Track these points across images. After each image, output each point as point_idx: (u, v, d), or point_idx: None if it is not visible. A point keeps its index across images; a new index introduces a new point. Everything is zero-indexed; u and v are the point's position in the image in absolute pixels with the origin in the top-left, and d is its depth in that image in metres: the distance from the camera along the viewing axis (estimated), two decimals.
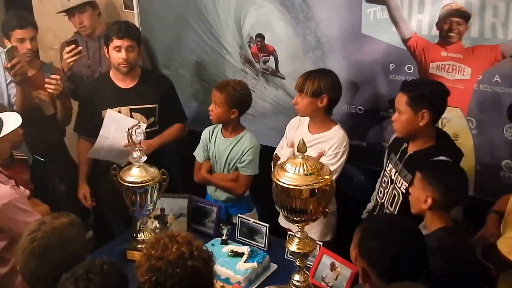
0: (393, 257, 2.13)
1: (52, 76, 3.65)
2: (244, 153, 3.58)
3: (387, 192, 3.15)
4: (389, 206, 3.12)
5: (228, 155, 3.61)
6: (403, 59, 3.35)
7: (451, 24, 3.13)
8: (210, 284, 1.98)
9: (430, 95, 2.95)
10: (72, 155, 4.35)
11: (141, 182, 3.00)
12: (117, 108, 3.70)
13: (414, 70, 3.36)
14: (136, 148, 3.01)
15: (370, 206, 3.38)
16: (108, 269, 1.93)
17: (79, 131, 3.98)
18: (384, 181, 3.21)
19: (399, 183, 3.04)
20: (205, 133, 3.75)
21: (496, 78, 3.12)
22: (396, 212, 3.05)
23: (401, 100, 2.96)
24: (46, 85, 3.66)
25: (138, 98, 3.75)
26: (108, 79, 3.80)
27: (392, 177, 3.12)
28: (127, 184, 3.01)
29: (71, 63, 3.80)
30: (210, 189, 3.74)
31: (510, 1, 2.92)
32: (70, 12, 4.09)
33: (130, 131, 2.97)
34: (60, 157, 4.25)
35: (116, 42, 3.59)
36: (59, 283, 1.91)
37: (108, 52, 3.68)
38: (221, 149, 3.63)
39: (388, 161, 3.22)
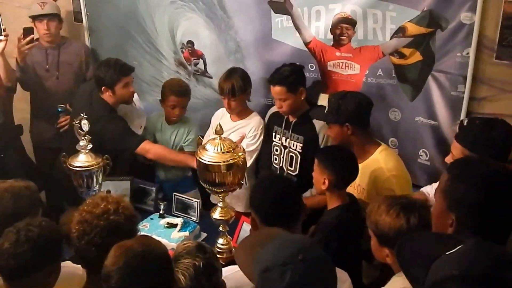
0: (270, 206, 2.33)
1: None
2: (188, 133, 3.76)
3: (283, 157, 3.41)
4: (288, 167, 3.39)
5: (174, 139, 3.76)
6: (306, 59, 3.54)
7: (342, 29, 3.38)
8: (130, 237, 1.98)
9: (298, 75, 3.27)
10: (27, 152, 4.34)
11: (87, 166, 3.05)
12: None
13: (315, 68, 3.58)
14: (83, 138, 3.06)
15: None
16: (46, 224, 2.02)
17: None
18: (276, 149, 3.46)
19: (293, 146, 3.35)
20: (154, 117, 3.88)
21: (379, 72, 3.38)
22: (297, 169, 3.34)
23: (280, 91, 3.22)
24: None
25: None
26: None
27: (284, 143, 3.40)
28: (74, 168, 3.06)
29: (26, 51, 3.82)
30: (161, 171, 3.86)
31: (385, 10, 3.19)
32: (41, 17, 4.07)
33: (77, 122, 3.03)
34: (16, 153, 4.17)
35: (125, 80, 3.53)
36: (2, 235, 1.97)
37: (112, 92, 3.53)
38: (167, 135, 3.76)
39: (274, 133, 3.47)
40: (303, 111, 3.31)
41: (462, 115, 3.17)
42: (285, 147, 3.40)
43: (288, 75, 3.23)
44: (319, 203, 2.95)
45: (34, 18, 4.10)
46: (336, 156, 2.74)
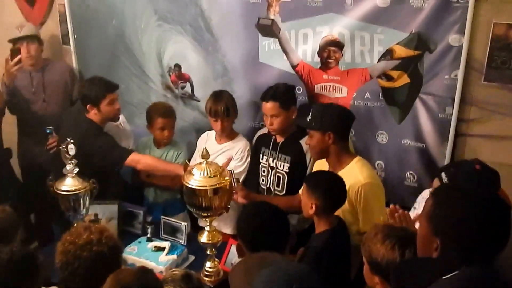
0: (256, 234, 2.33)
1: None
2: (177, 156, 3.72)
3: (270, 178, 3.40)
4: (275, 187, 3.39)
5: None
6: (294, 82, 3.48)
7: (329, 52, 3.37)
8: (114, 267, 1.97)
9: (292, 93, 3.29)
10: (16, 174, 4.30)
11: (74, 190, 3.01)
12: None
13: (303, 91, 3.56)
14: (69, 162, 3.02)
15: None
16: (17, 250, 1.99)
17: None
18: (264, 170, 3.44)
19: (280, 166, 3.34)
20: (143, 141, 3.84)
21: (367, 94, 3.38)
22: (284, 189, 3.34)
23: (273, 107, 3.20)
24: None
25: None
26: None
27: (271, 164, 3.38)
28: (61, 192, 3.02)
29: (14, 73, 3.80)
30: (150, 194, 3.83)
31: (373, 32, 3.19)
32: (20, 41, 4.02)
33: (64, 146, 2.98)
34: (6, 177, 4.13)
35: (110, 96, 3.46)
36: None
37: (97, 109, 3.47)
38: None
39: (261, 154, 3.45)
40: (290, 132, 3.31)
41: (450, 137, 3.17)
42: (272, 168, 3.39)
43: (282, 91, 3.24)
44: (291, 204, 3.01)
45: (14, 42, 4.04)
46: (325, 181, 2.69)
